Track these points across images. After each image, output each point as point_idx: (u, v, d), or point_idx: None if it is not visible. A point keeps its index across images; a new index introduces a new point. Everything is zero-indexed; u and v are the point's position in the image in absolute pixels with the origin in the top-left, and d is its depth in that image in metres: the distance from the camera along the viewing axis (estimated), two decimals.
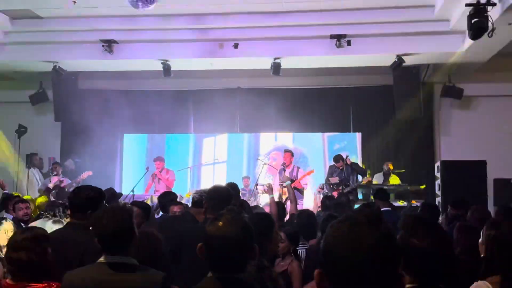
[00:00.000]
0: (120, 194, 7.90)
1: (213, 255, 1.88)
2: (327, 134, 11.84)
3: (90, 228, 2.61)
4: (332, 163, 10.23)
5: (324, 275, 1.30)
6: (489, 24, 7.37)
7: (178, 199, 6.72)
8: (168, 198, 6.18)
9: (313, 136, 12.00)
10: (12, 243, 2.75)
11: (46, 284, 2.61)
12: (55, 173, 10.16)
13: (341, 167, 9.92)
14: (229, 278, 1.84)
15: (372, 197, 9.53)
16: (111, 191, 6.96)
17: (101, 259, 2.42)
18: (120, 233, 2.43)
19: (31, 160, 10.96)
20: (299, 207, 7.28)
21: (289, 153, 10.15)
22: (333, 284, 1.27)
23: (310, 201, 10.11)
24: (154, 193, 9.65)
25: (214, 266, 1.89)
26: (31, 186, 10.59)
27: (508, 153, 10.64)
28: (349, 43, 9.36)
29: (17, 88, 11.68)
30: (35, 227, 3.29)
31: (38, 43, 9.96)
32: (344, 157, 10.05)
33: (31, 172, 10.78)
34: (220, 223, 1.90)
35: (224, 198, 3.72)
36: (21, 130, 11.22)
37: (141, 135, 12.26)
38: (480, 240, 2.82)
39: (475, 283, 2.65)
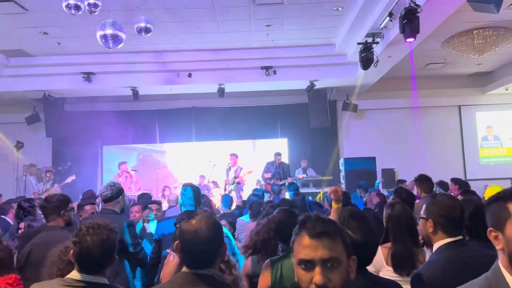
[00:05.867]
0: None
1: (187, 250, 1.62)
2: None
3: None
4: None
5: None
6: (375, 57, 7.56)
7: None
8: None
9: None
10: None
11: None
12: (47, 178, 9.44)
13: (278, 162, 9.81)
14: (202, 274, 1.59)
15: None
16: (90, 192, 6.51)
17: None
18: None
19: (27, 170, 10.20)
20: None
21: (234, 156, 9.95)
22: None
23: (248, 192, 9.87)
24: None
25: (187, 262, 1.63)
26: (28, 190, 9.76)
27: (390, 150, 10.97)
28: (275, 72, 9.35)
29: (15, 112, 10.91)
30: None
31: (31, 75, 9.26)
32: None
33: (28, 179, 9.98)
34: (194, 221, 1.65)
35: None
36: (19, 145, 10.77)
37: (117, 146, 11.60)
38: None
39: None
